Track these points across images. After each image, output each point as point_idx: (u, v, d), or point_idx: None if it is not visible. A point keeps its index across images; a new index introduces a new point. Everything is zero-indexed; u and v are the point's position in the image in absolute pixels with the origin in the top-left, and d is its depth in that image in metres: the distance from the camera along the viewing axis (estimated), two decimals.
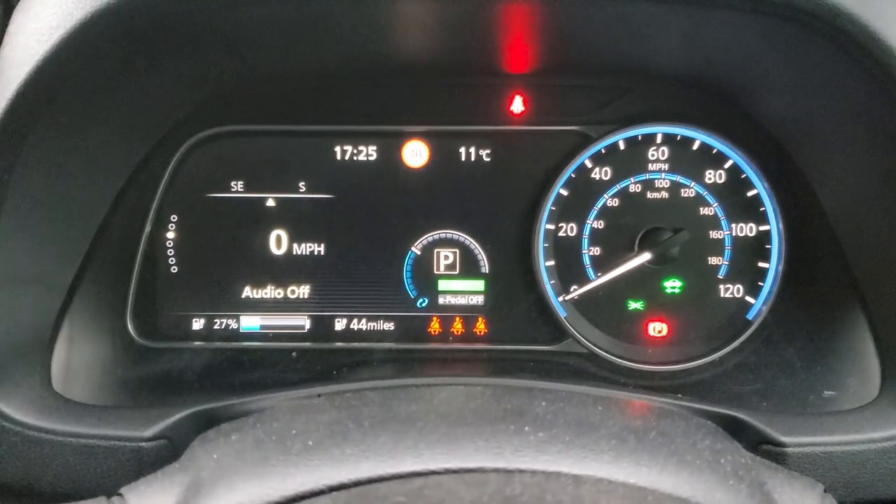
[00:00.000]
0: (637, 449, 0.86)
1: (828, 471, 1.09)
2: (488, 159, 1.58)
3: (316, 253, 1.58)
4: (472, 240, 1.59)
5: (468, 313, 1.60)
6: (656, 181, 1.56)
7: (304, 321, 1.59)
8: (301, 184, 1.57)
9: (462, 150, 1.58)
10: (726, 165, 1.55)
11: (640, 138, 1.56)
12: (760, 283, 1.55)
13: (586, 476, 0.79)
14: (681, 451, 0.87)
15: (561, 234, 1.58)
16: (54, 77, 1.07)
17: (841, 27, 1.02)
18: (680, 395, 1.26)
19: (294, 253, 1.58)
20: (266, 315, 1.59)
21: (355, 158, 1.57)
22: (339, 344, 1.59)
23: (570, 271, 1.58)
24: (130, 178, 1.47)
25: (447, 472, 0.78)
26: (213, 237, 1.57)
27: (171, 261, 1.57)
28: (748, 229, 1.56)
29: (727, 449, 0.93)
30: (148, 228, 1.54)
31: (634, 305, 1.58)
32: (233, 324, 1.58)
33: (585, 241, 1.58)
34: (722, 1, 1.04)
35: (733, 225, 1.56)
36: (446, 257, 1.59)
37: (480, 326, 1.60)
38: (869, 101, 1.16)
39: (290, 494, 0.77)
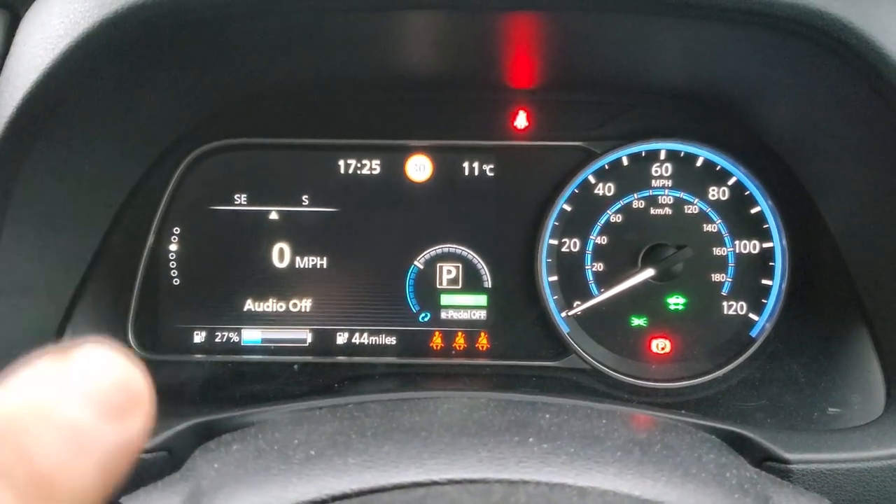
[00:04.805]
0: (642, 461, 0.85)
1: (833, 488, 1.07)
2: (492, 174, 1.58)
3: (318, 266, 1.58)
4: (474, 254, 1.59)
5: (470, 328, 1.59)
6: (660, 197, 1.56)
7: (305, 335, 1.58)
8: (304, 197, 1.57)
9: (465, 164, 1.58)
10: (730, 182, 1.55)
11: (643, 154, 1.56)
12: (764, 301, 1.55)
13: (591, 488, 0.78)
14: (686, 464, 0.87)
15: (564, 249, 1.58)
16: (60, 86, 1.08)
17: (846, 42, 1.02)
18: (683, 412, 1.25)
19: (296, 266, 1.58)
20: (268, 328, 1.58)
21: (359, 172, 1.58)
22: (340, 358, 1.58)
23: (572, 287, 1.58)
24: (134, 189, 1.48)
25: (450, 482, 0.78)
26: (215, 250, 1.57)
27: (173, 273, 1.56)
28: (752, 246, 1.56)
29: (732, 463, 0.92)
30: (150, 240, 1.54)
31: (637, 322, 1.58)
32: (234, 337, 1.58)
33: (588, 257, 1.57)
34: (728, 15, 1.04)
35: (737, 242, 1.56)
36: (449, 272, 1.59)
37: (483, 341, 1.59)
38: (873, 117, 1.17)
39: None
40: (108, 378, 0.51)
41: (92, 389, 0.50)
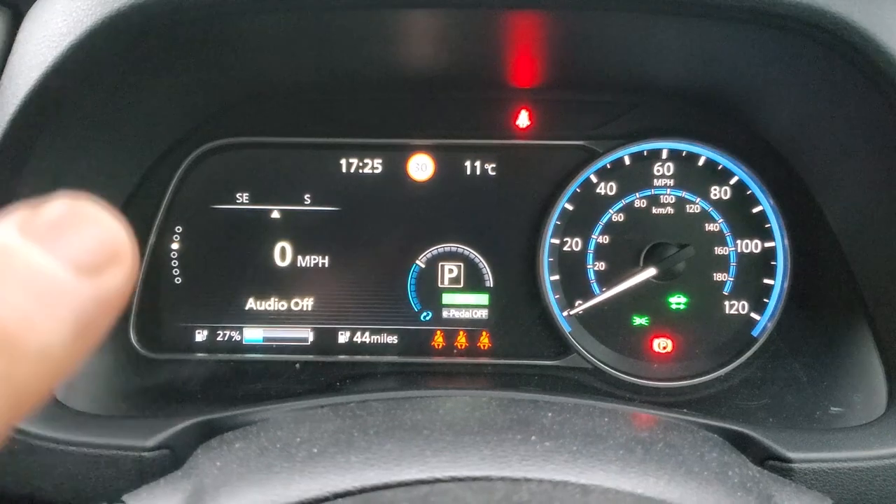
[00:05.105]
0: (645, 459, 0.85)
1: (835, 487, 1.07)
2: (493, 173, 1.58)
3: (320, 265, 1.58)
4: (476, 253, 1.59)
5: (472, 327, 1.59)
6: (662, 197, 1.56)
7: (307, 333, 1.58)
8: (306, 196, 1.57)
9: (467, 163, 1.58)
10: (732, 181, 1.55)
11: (645, 154, 1.56)
12: (766, 300, 1.55)
13: (594, 485, 0.78)
14: (688, 463, 0.87)
15: (566, 248, 1.58)
16: (62, 84, 1.08)
17: (849, 40, 1.03)
18: (685, 411, 1.25)
19: (298, 265, 1.58)
20: (269, 327, 1.58)
21: (361, 171, 1.58)
22: (342, 357, 1.58)
23: (574, 286, 1.58)
24: (136, 188, 1.48)
25: (453, 480, 0.78)
26: (217, 249, 1.57)
27: (175, 272, 1.56)
28: (753, 246, 1.55)
29: (735, 461, 0.93)
30: (152, 239, 1.54)
31: (639, 321, 1.58)
32: (236, 335, 1.58)
33: (590, 256, 1.57)
34: (730, 13, 1.04)
35: (739, 241, 1.56)
36: (451, 271, 1.59)
37: (484, 340, 1.59)
38: (875, 115, 1.17)
39: (295, 501, 0.77)
40: (83, 230, 0.46)
41: (64, 240, 0.45)
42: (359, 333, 1.59)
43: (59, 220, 0.46)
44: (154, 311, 1.56)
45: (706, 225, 1.56)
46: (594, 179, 1.56)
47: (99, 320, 0.46)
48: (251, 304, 1.58)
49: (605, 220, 1.57)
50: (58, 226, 0.46)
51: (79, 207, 0.47)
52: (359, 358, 1.58)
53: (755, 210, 1.55)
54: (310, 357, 1.58)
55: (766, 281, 1.55)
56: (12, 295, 0.42)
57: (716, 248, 1.56)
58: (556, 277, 1.57)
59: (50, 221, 0.46)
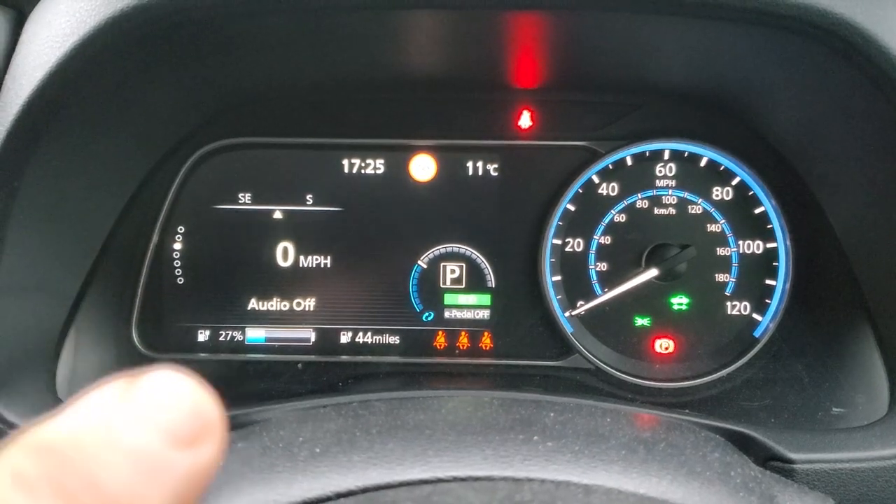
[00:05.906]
0: (647, 460, 0.85)
1: (836, 488, 1.07)
2: (496, 174, 1.58)
3: (322, 265, 1.58)
4: (478, 254, 1.59)
5: (474, 328, 1.59)
6: (664, 197, 1.56)
7: (309, 334, 1.59)
8: (308, 196, 1.57)
9: (469, 164, 1.58)
10: (734, 182, 1.55)
11: (647, 154, 1.56)
12: (768, 301, 1.55)
13: (596, 486, 0.78)
14: (690, 463, 0.87)
15: (568, 249, 1.58)
16: (66, 85, 1.08)
17: (851, 41, 1.03)
18: (687, 411, 1.25)
19: (300, 265, 1.58)
20: (272, 327, 1.58)
21: (363, 172, 1.58)
22: (344, 357, 1.58)
23: (576, 287, 1.58)
24: (139, 188, 1.48)
25: (455, 479, 0.78)
26: (219, 249, 1.57)
27: (178, 272, 1.56)
28: (755, 246, 1.56)
29: (737, 462, 0.92)
30: (155, 239, 1.54)
31: (641, 321, 1.58)
32: (238, 335, 1.58)
33: (592, 257, 1.58)
34: (732, 14, 1.04)
35: (740, 242, 1.56)
36: (452, 271, 1.59)
37: (486, 341, 1.59)
38: (877, 116, 1.17)
39: (297, 501, 0.77)
40: (178, 404, 0.49)
41: (162, 416, 0.48)
42: (361, 334, 1.59)
43: (155, 394, 0.48)
44: (156, 311, 1.56)
45: (708, 225, 1.56)
46: (596, 180, 1.56)
47: (194, 489, 0.48)
48: (253, 304, 1.58)
49: (607, 220, 1.57)
50: (155, 401, 0.48)
51: (173, 381, 0.49)
52: (361, 358, 1.58)
53: (757, 211, 1.55)
54: (312, 357, 1.58)
55: (768, 282, 1.55)
56: (120, 471, 0.44)
57: (718, 249, 1.56)
58: (558, 278, 1.57)
59: (148, 397, 0.48)
